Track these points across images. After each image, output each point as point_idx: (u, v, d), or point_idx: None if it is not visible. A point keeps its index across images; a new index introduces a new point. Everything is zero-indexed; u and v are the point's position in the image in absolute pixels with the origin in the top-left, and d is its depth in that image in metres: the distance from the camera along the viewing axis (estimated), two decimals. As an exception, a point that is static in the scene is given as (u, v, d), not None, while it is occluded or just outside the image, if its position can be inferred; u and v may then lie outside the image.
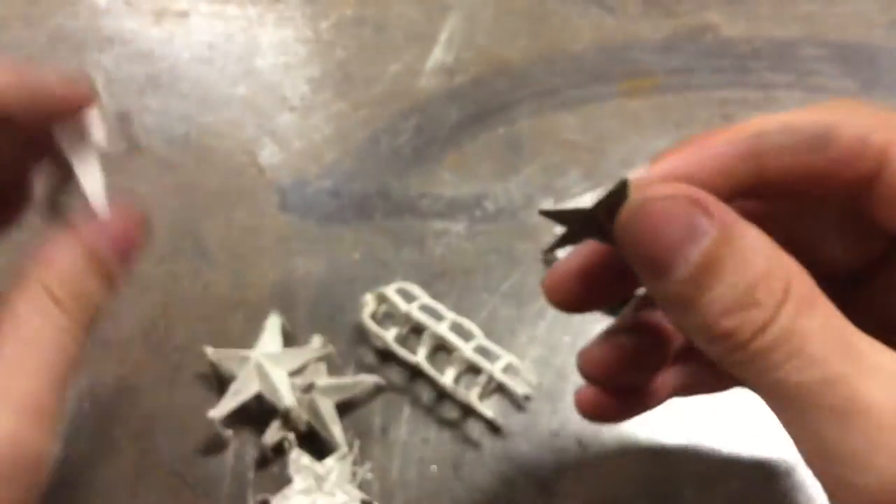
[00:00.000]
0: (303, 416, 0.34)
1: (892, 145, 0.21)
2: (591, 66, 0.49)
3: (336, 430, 0.34)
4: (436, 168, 0.45)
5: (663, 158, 0.22)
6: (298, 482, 0.26)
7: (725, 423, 0.35)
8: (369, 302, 0.38)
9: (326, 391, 0.35)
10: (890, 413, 0.17)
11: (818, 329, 0.18)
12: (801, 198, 0.22)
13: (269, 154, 0.46)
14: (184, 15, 0.53)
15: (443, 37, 0.51)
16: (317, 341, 0.37)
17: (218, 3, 0.53)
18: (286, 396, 0.34)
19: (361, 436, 0.35)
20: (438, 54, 0.50)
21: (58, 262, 0.25)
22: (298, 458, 0.26)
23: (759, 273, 0.19)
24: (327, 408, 0.35)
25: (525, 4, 0.53)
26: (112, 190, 0.29)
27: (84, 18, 0.53)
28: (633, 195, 0.20)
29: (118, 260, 0.26)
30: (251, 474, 0.34)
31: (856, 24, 0.50)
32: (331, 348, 0.37)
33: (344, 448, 0.29)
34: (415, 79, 0.49)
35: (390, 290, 0.38)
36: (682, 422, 0.36)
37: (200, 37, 0.52)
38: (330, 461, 0.26)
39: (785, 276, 0.19)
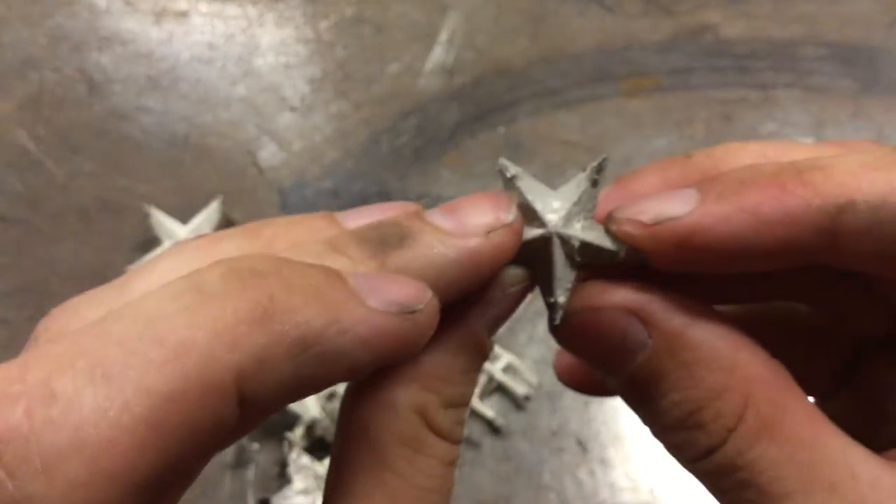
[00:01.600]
0: (330, 428, 0.34)
1: None
2: (591, 66, 0.49)
3: None
4: (436, 167, 0.45)
5: (697, 213, 0.17)
6: (298, 482, 0.26)
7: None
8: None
9: (336, 395, 0.35)
10: None
11: (777, 460, 0.15)
12: (874, 277, 0.18)
13: (269, 154, 0.46)
14: (184, 15, 0.53)
15: (443, 37, 0.51)
16: None
17: (218, 3, 0.53)
18: (312, 407, 0.34)
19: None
20: (438, 54, 0.50)
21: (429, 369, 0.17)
22: (298, 459, 0.26)
23: (709, 391, 0.16)
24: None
25: (525, 4, 0.53)
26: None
27: (84, 18, 0.53)
28: (573, 303, 0.18)
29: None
30: (251, 474, 0.34)
31: (856, 24, 0.50)
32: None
33: None
34: (415, 79, 0.49)
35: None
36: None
37: (200, 37, 0.52)
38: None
39: (743, 393, 0.16)
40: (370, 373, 0.15)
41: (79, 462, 0.11)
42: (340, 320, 0.13)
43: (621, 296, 0.17)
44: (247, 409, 0.13)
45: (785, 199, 0.16)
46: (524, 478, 0.34)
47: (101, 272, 0.41)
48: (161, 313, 0.13)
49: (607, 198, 0.19)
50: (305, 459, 0.26)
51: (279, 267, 0.14)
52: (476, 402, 0.35)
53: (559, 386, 0.37)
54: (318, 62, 0.50)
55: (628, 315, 0.17)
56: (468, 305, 0.17)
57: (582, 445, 0.35)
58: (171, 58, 0.50)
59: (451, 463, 0.17)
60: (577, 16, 0.52)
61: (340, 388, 0.35)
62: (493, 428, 0.35)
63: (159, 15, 0.53)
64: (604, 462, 0.35)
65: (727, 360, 0.16)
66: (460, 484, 0.34)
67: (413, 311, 0.15)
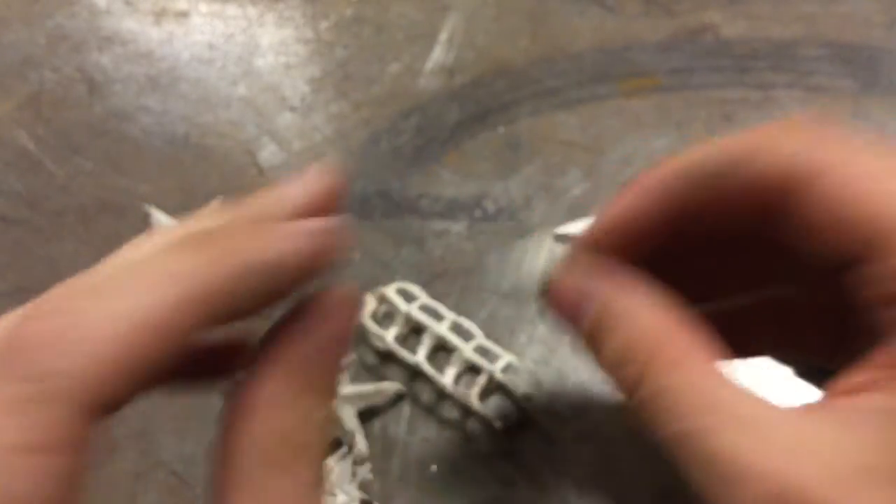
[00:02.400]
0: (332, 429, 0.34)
1: (807, 174, 0.20)
2: (591, 66, 0.49)
3: (359, 438, 0.34)
4: (436, 168, 0.45)
5: (606, 212, 0.24)
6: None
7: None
8: (369, 302, 0.38)
9: (348, 399, 0.35)
10: (743, 461, 0.18)
11: (681, 387, 0.20)
12: (725, 230, 0.23)
13: (269, 154, 0.46)
14: (184, 15, 0.53)
15: (443, 37, 0.51)
16: None
17: (218, 3, 0.53)
18: None
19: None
20: (438, 54, 0.50)
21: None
22: None
23: (631, 338, 0.22)
24: (349, 416, 0.35)
25: (525, 4, 0.53)
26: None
27: (84, 18, 0.53)
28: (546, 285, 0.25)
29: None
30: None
31: (856, 24, 0.50)
32: (353, 356, 0.37)
33: (344, 448, 0.29)
34: (415, 79, 0.49)
35: (390, 291, 0.38)
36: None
37: (200, 37, 0.52)
38: (331, 460, 0.26)
39: (654, 339, 0.21)
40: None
41: (91, 346, 0.16)
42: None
43: (571, 282, 0.24)
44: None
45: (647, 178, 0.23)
46: (524, 478, 0.34)
47: (101, 272, 0.41)
48: (143, 260, 0.18)
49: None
50: None
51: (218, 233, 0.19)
52: (476, 403, 0.35)
53: (559, 385, 0.37)
54: (318, 62, 0.50)
55: (577, 294, 0.24)
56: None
57: (582, 445, 0.35)
58: (171, 58, 0.50)
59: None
60: (577, 16, 0.52)
61: (340, 388, 0.35)
62: (493, 428, 0.36)
63: (159, 15, 0.53)
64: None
65: (648, 314, 0.22)
66: (460, 484, 0.34)
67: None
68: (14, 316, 0.18)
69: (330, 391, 0.20)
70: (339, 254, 0.20)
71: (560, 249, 0.28)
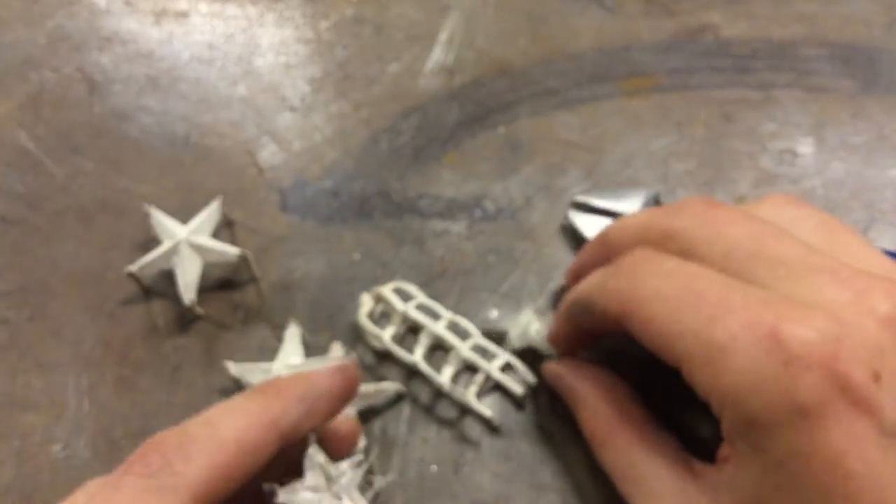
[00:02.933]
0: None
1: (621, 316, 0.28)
2: (591, 66, 0.49)
3: (359, 438, 0.34)
4: (436, 168, 0.45)
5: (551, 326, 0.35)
6: (310, 478, 0.26)
7: (725, 423, 0.36)
8: (366, 301, 0.38)
9: None
10: None
11: (612, 463, 0.30)
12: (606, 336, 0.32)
13: (269, 154, 0.46)
14: (184, 15, 0.53)
15: (443, 37, 0.51)
16: (337, 349, 0.37)
17: (218, 3, 0.53)
18: None
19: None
20: (438, 54, 0.50)
21: None
22: (315, 455, 0.26)
23: (586, 417, 0.32)
24: (349, 416, 0.35)
25: (525, 4, 0.53)
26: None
27: (84, 18, 0.53)
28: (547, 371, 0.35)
29: None
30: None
31: (856, 24, 0.50)
32: (353, 356, 0.37)
33: (360, 455, 0.29)
34: (415, 79, 0.49)
35: (387, 290, 0.38)
36: (681, 422, 0.35)
37: (200, 37, 0.52)
38: (345, 465, 0.27)
39: (592, 421, 0.31)
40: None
41: (205, 456, 0.23)
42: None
43: (553, 370, 0.35)
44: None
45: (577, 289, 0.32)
46: (524, 478, 0.34)
47: (101, 272, 0.41)
48: (230, 405, 0.26)
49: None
50: (321, 458, 0.26)
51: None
52: (474, 402, 0.35)
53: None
54: (318, 62, 0.50)
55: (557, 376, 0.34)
56: None
57: (583, 445, 0.35)
58: (171, 58, 0.51)
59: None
60: (577, 16, 0.52)
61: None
62: (491, 427, 0.36)
63: (159, 15, 0.53)
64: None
65: (589, 404, 0.32)
66: (460, 484, 0.34)
67: None
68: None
69: None
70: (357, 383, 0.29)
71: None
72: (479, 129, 0.46)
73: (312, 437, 0.27)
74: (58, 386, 0.37)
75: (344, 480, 0.26)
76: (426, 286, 0.39)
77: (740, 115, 0.46)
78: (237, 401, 0.25)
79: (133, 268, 0.38)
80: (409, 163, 0.45)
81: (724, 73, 0.48)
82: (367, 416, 0.35)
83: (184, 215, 0.41)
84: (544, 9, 0.52)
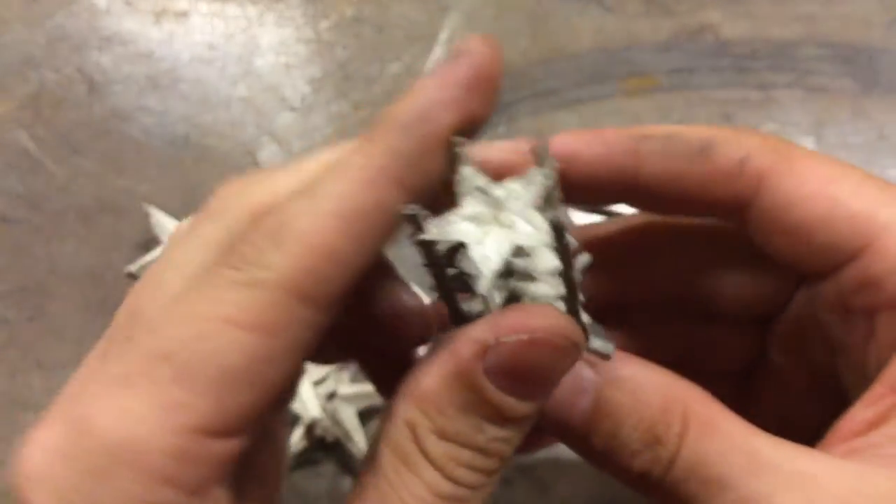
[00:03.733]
0: (331, 429, 0.34)
1: (769, 172, 0.21)
2: (591, 66, 0.49)
3: (359, 438, 0.34)
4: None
5: (558, 136, 0.22)
6: (468, 205, 0.19)
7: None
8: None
9: (349, 399, 0.35)
10: None
11: (724, 451, 0.18)
12: (680, 208, 0.23)
13: (269, 154, 0.46)
14: (184, 15, 0.53)
15: (443, 37, 0.51)
16: None
17: (218, 3, 0.53)
18: (312, 407, 0.34)
19: (361, 436, 0.35)
20: (438, 54, 0.50)
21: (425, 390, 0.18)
22: (471, 176, 0.19)
23: (656, 409, 0.19)
24: (349, 416, 0.34)
25: (525, 4, 0.53)
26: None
27: (84, 18, 0.53)
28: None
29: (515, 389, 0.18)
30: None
31: (856, 24, 0.50)
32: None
33: (538, 172, 0.20)
34: (415, 79, 0.49)
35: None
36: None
37: (200, 37, 0.52)
38: (515, 184, 0.20)
39: (681, 404, 0.19)
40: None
41: (302, 241, 0.17)
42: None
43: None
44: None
45: (610, 133, 0.22)
46: (524, 478, 0.34)
47: (101, 272, 0.41)
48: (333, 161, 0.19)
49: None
50: (481, 179, 0.20)
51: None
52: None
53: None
54: (318, 62, 0.50)
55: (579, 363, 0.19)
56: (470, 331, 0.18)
57: (582, 445, 0.35)
58: (171, 58, 0.50)
59: (444, 497, 0.18)
60: (577, 16, 0.52)
61: (341, 388, 0.35)
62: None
63: (159, 15, 0.53)
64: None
65: (661, 383, 0.19)
66: (460, 484, 0.34)
67: None
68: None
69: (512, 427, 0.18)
70: (485, 108, 0.19)
71: None
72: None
73: (462, 151, 0.19)
74: (58, 386, 0.37)
75: (516, 203, 0.19)
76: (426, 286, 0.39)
77: (740, 115, 0.46)
78: (340, 154, 0.19)
79: (133, 268, 0.38)
80: (410, 163, 0.45)
81: (724, 73, 0.48)
82: (367, 416, 0.35)
83: (184, 215, 0.41)
84: (544, 9, 0.52)
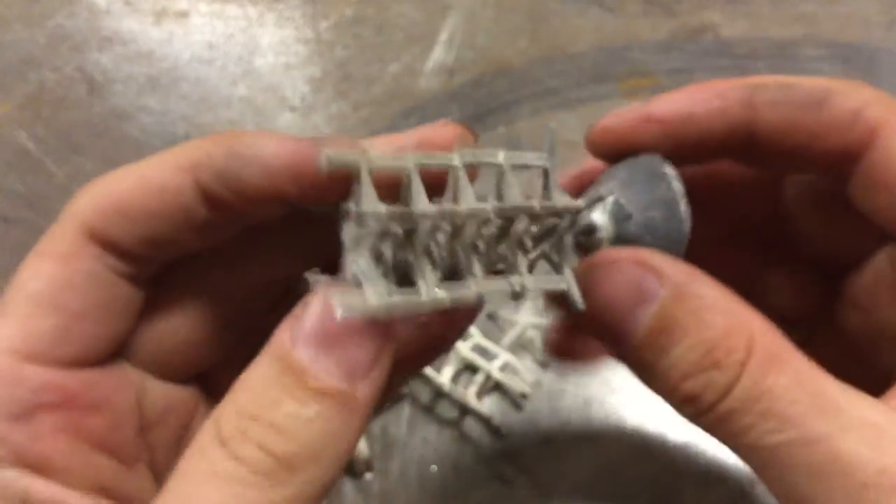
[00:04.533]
0: None
1: (884, 125, 0.20)
2: (591, 66, 0.49)
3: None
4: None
5: (665, 96, 0.22)
6: (351, 258, 0.18)
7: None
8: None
9: None
10: (873, 470, 0.16)
11: (789, 386, 0.17)
12: (790, 160, 0.22)
13: (268, 154, 0.46)
14: (184, 15, 0.53)
15: (443, 37, 0.51)
16: None
17: (218, 3, 0.53)
18: None
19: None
20: (438, 54, 0.50)
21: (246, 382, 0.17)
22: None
23: (719, 332, 0.18)
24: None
25: (525, 4, 0.53)
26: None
27: (84, 18, 0.53)
28: (590, 263, 0.20)
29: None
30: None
31: (856, 24, 0.50)
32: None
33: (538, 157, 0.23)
34: (415, 79, 0.49)
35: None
36: (681, 421, 0.35)
37: (200, 37, 0.52)
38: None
39: (747, 332, 0.18)
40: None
41: (104, 193, 0.20)
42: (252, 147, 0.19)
43: (631, 252, 0.19)
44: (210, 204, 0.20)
45: (721, 85, 0.22)
46: (524, 478, 0.34)
47: (101, 272, 0.41)
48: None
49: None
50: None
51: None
52: (474, 401, 0.35)
53: (559, 385, 0.37)
54: (318, 62, 0.50)
55: (641, 267, 0.19)
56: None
57: (582, 446, 0.35)
58: (171, 58, 0.50)
59: (223, 477, 0.16)
60: (577, 16, 0.52)
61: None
62: (491, 427, 0.36)
63: (159, 15, 0.53)
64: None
65: (729, 306, 0.18)
66: (460, 484, 0.34)
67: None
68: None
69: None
70: (316, 169, 0.19)
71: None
72: (479, 129, 0.46)
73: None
74: (58, 386, 0.37)
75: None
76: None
77: (740, 115, 0.46)
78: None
79: None
80: (409, 163, 0.45)
81: (724, 73, 0.48)
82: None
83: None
84: (544, 9, 0.52)
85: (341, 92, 0.49)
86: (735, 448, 0.18)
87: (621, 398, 0.36)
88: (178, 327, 0.22)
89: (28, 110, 0.48)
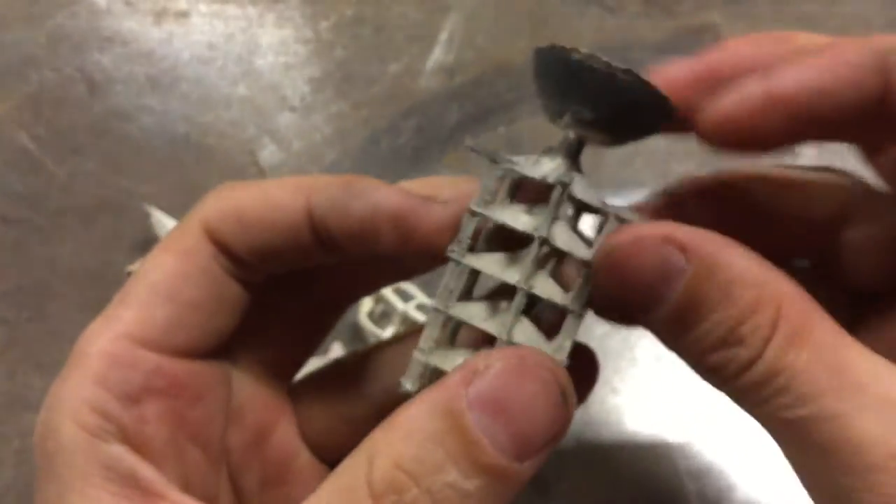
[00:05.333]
0: None
1: None
2: (591, 66, 0.49)
3: None
4: (436, 168, 0.45)
5: (795, 63, 0.20)
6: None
7: (724, 419, 0.35)
8: (366, 301, 0.38)
9: None
10: (884, 453, 0.16)
11: (810, 363, 0.17)
12: None
13: (269, 154, 0.46)
14: (184, 15, 0.53)
15: (443, 37, 0.51)
16: (337, 349, 0.37)
17: (218, 3, 0.53)
18: None
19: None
20: (438, 54, 0.50)
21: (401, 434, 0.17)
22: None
23: (745, 307, 0.17)
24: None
25: (525, 4, 0.53)
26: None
27: (84, 18, 0.53)
28: (611, 240, 0.19)
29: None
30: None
31: (856, 24, 0.50)
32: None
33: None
34: (415, 79, 0.49)
35: (387, 290, 0.38)
36: (681, 420, 0.35)
37: (200, 37, 0.52)
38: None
39: (774, 306, 0.17)
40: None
41: (233, 209, 0.22)
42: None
43: (657, 227, 0.18)
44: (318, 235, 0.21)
45: (848, 51, 0.19)
46: (524, 478, 0.34)
47: (101, 272, 0.41)
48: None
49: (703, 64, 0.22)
50: None
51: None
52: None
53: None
54: (318, 62, 0.50)
55: (666, 243, 0.18)
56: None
57: (582, 445, 0.35)
58: (171, 58, 0.50)
59: None
60: (577, 16, 0.52)
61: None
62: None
63: (159, 15, 0.53)
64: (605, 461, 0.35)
65: (758, 278, 0.18)
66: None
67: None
68: None
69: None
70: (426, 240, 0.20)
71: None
72: (480, 129, 0.46)
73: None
74: (58, 386, 0.37)
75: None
76: (426, 286, 0.39)
77: (740, 115, 0.46)
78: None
79: (133, 268, 0.38)
80: (409, 163, 0.45)
81: (724, 74, 0.48)
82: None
83: (184, 215, 0.41)
84: (544, 9, 0.52)
85: (341, 92, 0.49)
86: (756, 417, 0.18)
87: (622, 399, 0.36)
88: (273, 334, 0.24)
89: (28, 110, 0.48)
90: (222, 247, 0.21)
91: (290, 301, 0.24)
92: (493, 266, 0.19)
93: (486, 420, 0.16)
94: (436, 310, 0.19)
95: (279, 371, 0.24)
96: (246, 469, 0.23)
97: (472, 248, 0.19)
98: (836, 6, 0.51)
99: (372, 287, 0.27)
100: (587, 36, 0.50)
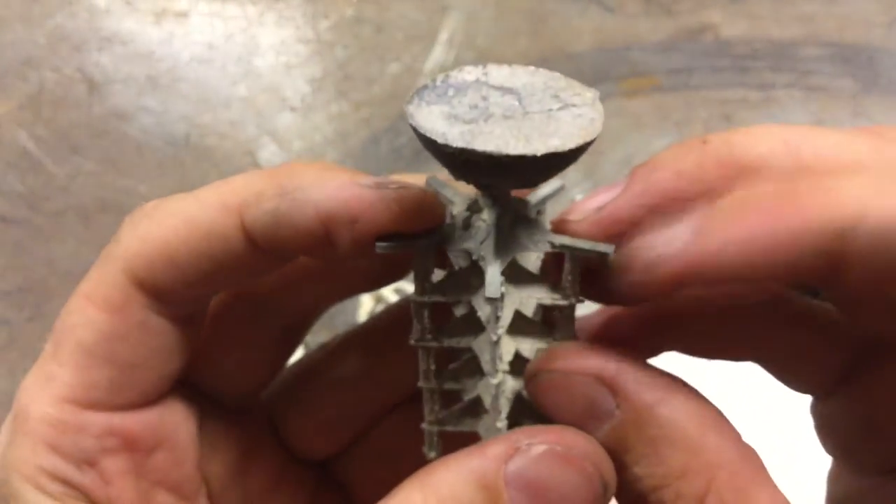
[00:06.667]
0: None
1: None
2: (590, 67, 0.49)
3: None
4: (436, 168, 0.45)
5: (724, 225, 0.16)
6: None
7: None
8: (365, 301, 0.38)
9: None
10: None
11: None
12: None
13: (269, 154, 0.46)
14: (184, 15, 0.53)
15: (443, 37, 0.51)
16: None
17: (218, 3, 0.53)
18: None
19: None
20: (438, 54, 0.50)
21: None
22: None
23: (671, 471, 0.16)
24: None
25: (525, 4, 0.53)
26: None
27: (84, 18, 0.53)
28: (540, 366, 0.17)
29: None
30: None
31: (856, 24, 0.50)
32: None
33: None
34: (415, 79, 0.49)
35: (386, 290, 0.38)
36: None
37: (200, 37, 0.52)
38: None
39: (705, 477, 0.16)
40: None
41: (147, 236, 0.20)
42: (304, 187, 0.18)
43: (592, 362, 0.17)
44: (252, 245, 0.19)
45: (781, 226, 0.15)
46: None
47: (101, 272, 0.41)
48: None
49: (623, 196, 0.18)
50: None
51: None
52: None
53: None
54: (318, 62, 0.50)
55: (597, 383, 0.16)
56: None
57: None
58: (171, 58, 0.50)
59: None
60: (577, 16, 0.52)
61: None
62: (492, 428, 0.35)
63: (159, 15, 0.53)
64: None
65: (693, 442, 0.16)
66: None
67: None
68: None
69: None
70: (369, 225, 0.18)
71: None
72: (479, 129, 0.46)
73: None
74: (58, 386, 0.37)
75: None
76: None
77: (740, 115, 0.46)
78: (201, 190, 0.21)
79: None
80: (410, 163, 0.45)
81: (724, 73, 0.48)
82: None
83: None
84: (544, 9, 0.52)
85: (341, 92, 0.49)
86: None
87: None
88: (231, 352, 0.22)
89: (28, 110, 0.48)
90: (156, 294, 0.19)
91: (249, 318, 0.22)
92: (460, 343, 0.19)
93: (523, 501, 0.15)
94: (421, 388, 0.19)
95: (250, 386, 0.23)
96: (230, 492, 0.22)
97: (432, 319, 0.19)
98: (836, 6, 0.51)
99: (345, 293, 0.23)
100: (587, 36, 0.50)
